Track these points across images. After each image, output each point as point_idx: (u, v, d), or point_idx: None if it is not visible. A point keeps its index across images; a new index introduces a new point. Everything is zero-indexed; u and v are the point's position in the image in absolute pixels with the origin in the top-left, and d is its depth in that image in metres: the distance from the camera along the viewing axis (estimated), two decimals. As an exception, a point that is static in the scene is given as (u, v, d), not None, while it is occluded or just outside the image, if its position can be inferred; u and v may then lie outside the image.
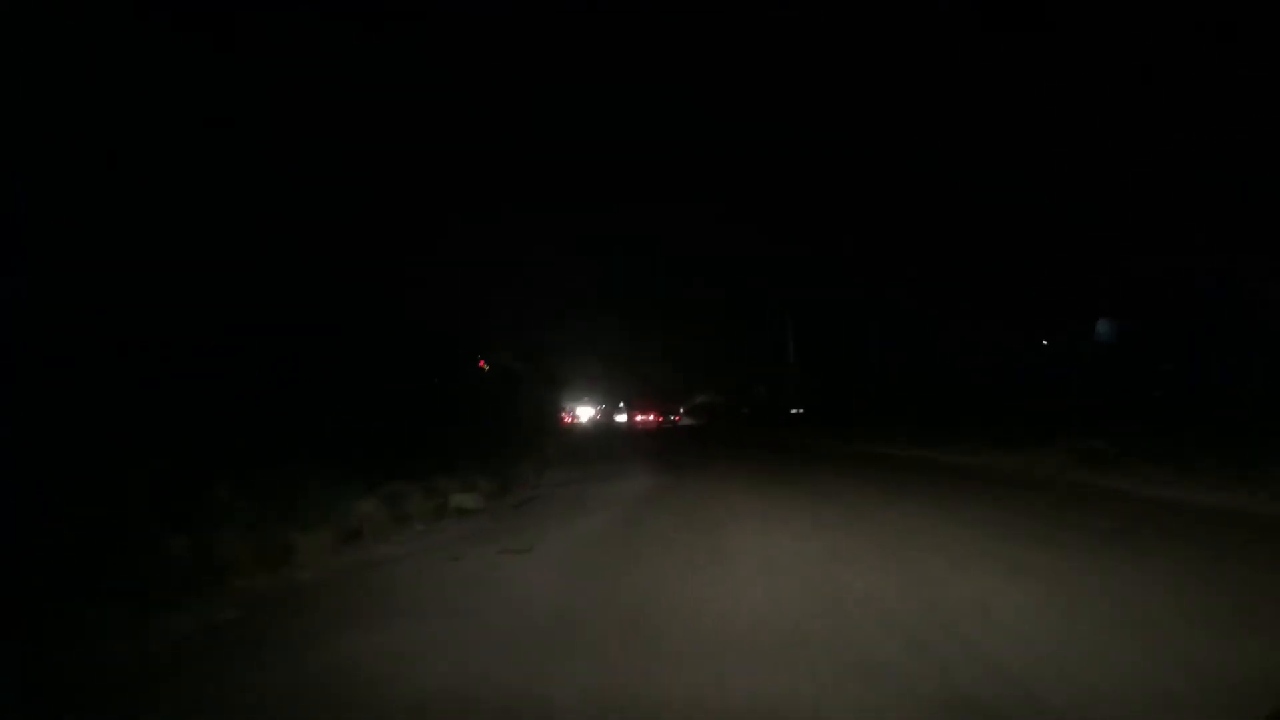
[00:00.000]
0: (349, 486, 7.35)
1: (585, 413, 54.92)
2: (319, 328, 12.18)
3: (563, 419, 49.94)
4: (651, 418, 52.54)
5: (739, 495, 9.31)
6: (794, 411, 37.35)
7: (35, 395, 5.54)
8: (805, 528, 6.67)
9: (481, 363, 34.39)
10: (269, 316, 9.53)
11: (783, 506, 8.10)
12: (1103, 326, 31.45)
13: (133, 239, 7.42)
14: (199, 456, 6.36)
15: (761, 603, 4.18)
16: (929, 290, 29.13)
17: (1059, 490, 8.77)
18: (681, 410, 49.52)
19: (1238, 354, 15.40)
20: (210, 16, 9.43)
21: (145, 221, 7.63)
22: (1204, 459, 8.76)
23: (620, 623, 3.93)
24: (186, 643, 3.97)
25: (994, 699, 2.78)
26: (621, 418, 55.67)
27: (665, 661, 3.32)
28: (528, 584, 4.98)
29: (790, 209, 41.74)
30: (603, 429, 45.13)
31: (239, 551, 5.31)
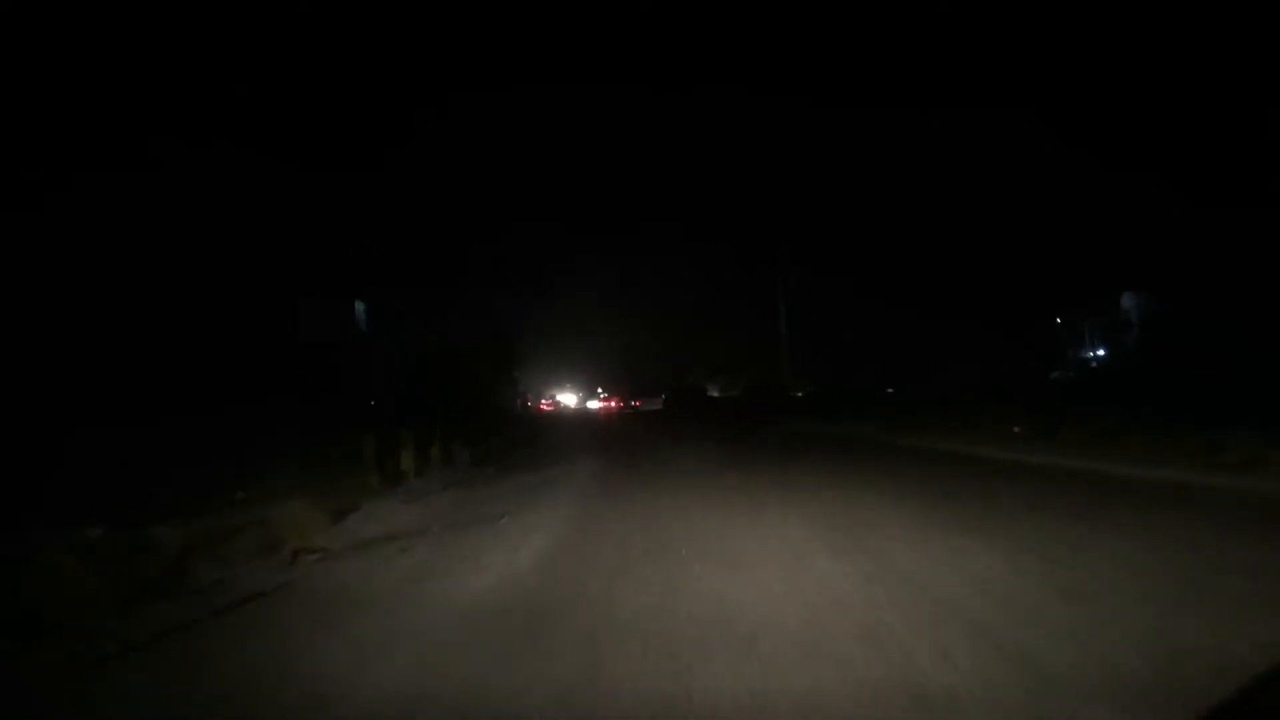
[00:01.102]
0: None
1: (568, 399, 50.82)
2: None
3: (540, 406, 45.06)
4: (613, 404, 47.90)
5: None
6: (796, 395, 30.96)
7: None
8: None
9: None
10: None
11: None
12: (1128, 300, 26.99)
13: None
14: None
15: None
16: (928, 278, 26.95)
17: None
18: (663, 396, 43.01)
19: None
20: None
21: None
22: None
23: None
24: None
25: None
26: (595, 404, 50.00)
27: None
28: None
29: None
30: (578, 416, 40.06)
31: None
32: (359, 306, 24.87)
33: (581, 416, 39.34)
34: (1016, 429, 10.63)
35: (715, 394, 40.78)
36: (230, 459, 8.31)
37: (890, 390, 25.38)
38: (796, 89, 40.89)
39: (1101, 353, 28.84)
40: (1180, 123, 18.91)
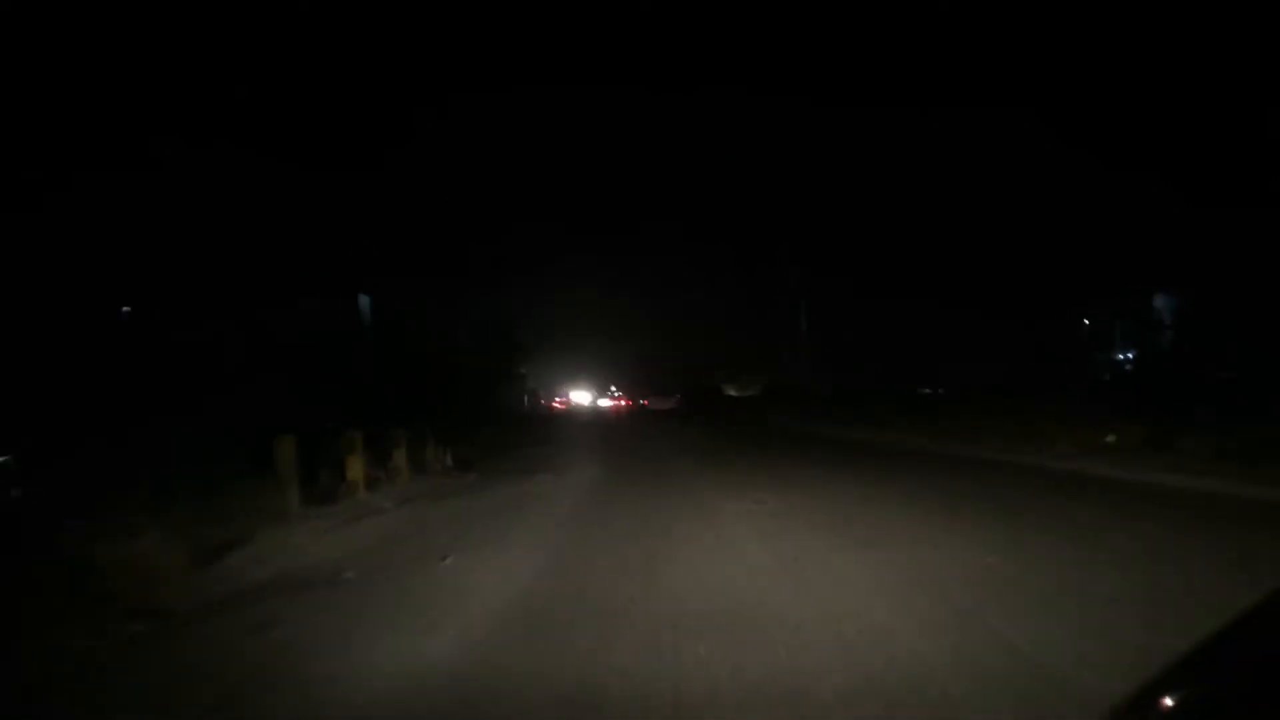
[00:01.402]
0: None
1: (581, 397, 49.74)
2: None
3: (552, 404, 43.89)
4: (623, 403, 46.61)
5: None
6: (819, 395, 28.88)
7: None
8: None
9: None
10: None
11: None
12: (1160, 300, 25.51)
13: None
14: None
15: None
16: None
17: None
18: (678, 396, 41.17)
19: None
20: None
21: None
22: None
23: None
24: None
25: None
26: (606, 402, 48.42)
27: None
28: None
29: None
30: (588, 414, 38.96)
31: None
32: (363, 301, 23.56)
33: (592, 416, 37.79)
34: (1110, 437, 8.61)
35: (733, 393, 38.87)
36: (128, 477, 6.59)
37: (927, 391, 23.42)
38: (796, 89, 40.14)
39: (1130, 354, 27.45)
40: (1180, 123, 18.56)
